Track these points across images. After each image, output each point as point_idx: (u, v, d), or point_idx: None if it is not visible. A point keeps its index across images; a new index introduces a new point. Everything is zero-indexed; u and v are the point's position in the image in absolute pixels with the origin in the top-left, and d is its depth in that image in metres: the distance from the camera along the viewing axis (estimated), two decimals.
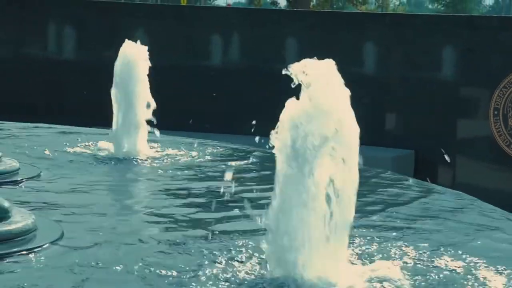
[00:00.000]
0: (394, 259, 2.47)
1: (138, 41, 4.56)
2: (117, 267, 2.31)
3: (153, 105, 4.46)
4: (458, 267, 2.43)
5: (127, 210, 3.28)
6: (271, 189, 2.24)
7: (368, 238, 2.69)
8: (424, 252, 2.57)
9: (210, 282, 2.20)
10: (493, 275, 2.37)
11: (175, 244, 2.59)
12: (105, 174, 3.96)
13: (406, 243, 2.66)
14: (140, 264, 2.34)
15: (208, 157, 4.47)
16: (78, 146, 4.58)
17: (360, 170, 2.20)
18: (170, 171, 4.03)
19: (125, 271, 2.28)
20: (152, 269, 2.30)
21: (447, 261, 2.48)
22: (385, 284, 2.24)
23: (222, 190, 3.51)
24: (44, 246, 2.46)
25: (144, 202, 3.47)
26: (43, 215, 2.83)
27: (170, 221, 3.01)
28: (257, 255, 2.42)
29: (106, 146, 4.52)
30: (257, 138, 2.67)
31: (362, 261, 2.44)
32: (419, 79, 9.20)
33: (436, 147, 9.10)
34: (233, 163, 4.35)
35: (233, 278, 2.24)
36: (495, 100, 8.76)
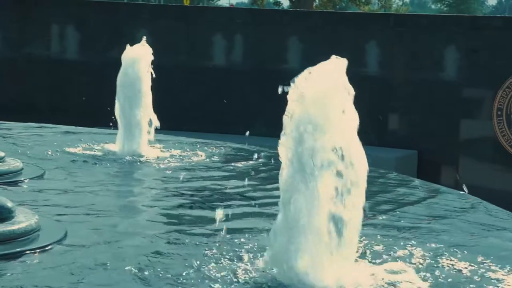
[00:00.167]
0: (403, 259, 2.47)
1: (144, 41, 4.55)
2: (119, 267, 2.31)
3: (156, 124, 4.49)
4: (467, 267, 2.43)
5: (130, 210, 3.28)
6: (275, 189, 2.24)
7: (376, 238, 2.68)
8: (433, 252, 2.56)
9: (212, 282, 2.20)
10: (503, 274, 2.37)
11: (177, 244, 2.58)
12: (108, 174, 3.96)
13: (414, 243, 2.65)
14: (142, 264, 2.33)
15: (211, 157, 4.47)
16: (81, 146, 4.59)
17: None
18: (174, 171, 4.03)
19: (126, 271, 2.28)
20: (153, 269, 2.30)
21: (457, 261, 2.48)
22: (395, 284, 2.23)
23: (225, 189, 3.51)
24: (47, 246, 2.46)
25: (147, 202, 3.47)
26: (47, 215, 2.83)
27: (173, 221, 3.01)
28: (260, 254, 2.42)
29: (109, 146, 4.53)
30: (247, 133, 2.65)
31: (371, 262, 2.43)
32: (422, 79, 9.20)
33: (440, 148, 9.10)
34: (239, 163, 4.35)
35: (235, 278, 2.23)
36: (498, 100, 8.75)
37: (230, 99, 9.59)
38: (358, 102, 2.17)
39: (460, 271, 2.40)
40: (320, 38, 9.40)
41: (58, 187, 3.50)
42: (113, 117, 4.61)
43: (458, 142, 9.04)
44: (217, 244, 2.53)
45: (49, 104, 10.09)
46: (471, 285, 2.27)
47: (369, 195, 2.22)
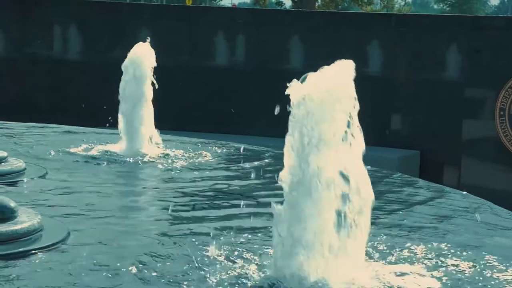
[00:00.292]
0: (409, 259, 2.46)
1: (148, 43, 4.55)
2: (120, 267, 2.31)
3: (158, 140, 4.51)
4: (474, 266, 2.42)
5: (132, 210, 3.28)
6: (278, 188, 2.23)
7: (382, 238, 2.68)
8: (439, 252, 2.56)
9: (213, 282, 2.19)
10: (511, 273, 2.37)
11: (178, 244, 2.58)
12: (111, 174, 3.96)
13: (420, 243, 2.65)
14: (142, 264, 2.34)
15: (214, 157, 4.47)
16: (83, 146, 4.59)
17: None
18: (176, 171, 4.03)
19: (127, 271, 2.28)
20: (153, 269, 2.29)
21: (463, 260, 2.48)
22: (402, 284, 2.23)
23: (228, 189, 3.51)
24: (50, 246, 2.46)
25: (148, 202, 3.47)
26: (49, 215, 2.83)
27: (174, 221, 3.01)
28: (262, 253, 2.42)
29: (111, 146, 4.53)
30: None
31: (377, 262, 2.43)
32: (425, 79, 9.19)
33: (442, 148, 9.09)
34: (242, 163, 4.35)
35: (236, 278, 2.23)
36: (501, 100, 8.74)
37: (233, 99, 9.59)
38: (360, 102, 2.17)
39: (466, 270, 2.39)
40: (322, 38, 9.40)
41: (60, 187, 3.50)
42: (110, 118, 4.60)
43: (460, 142, 9.04)
44: (218, 244, 2.52)
45: (49, 104, 10.10)
46: (478, 284, 2.27)
47: (374, 195, 2.22)
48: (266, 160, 4.40)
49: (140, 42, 4.57)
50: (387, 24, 9.62)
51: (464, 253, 2.56)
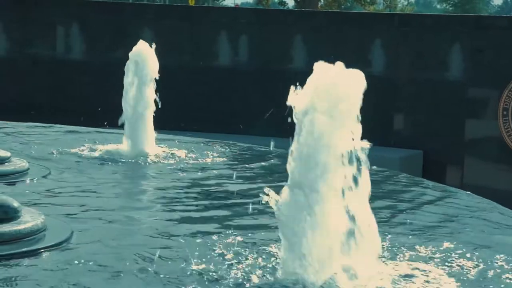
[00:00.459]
0: (418, 258, 2.46)
1: (153, 45, 4.55)
2: (123, 267, 2.31)
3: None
4: (483, 265, 2.42)
5: (136, 210, 3.28)
6: (281, 188, 2.23)
7: (390, 238, 2.68)
8: (448, 251, 2.55)
9: (214, 282, 2.19)
10: None
11: (179, 244, 2.58)
12: (114, 174, 3.96)
13: (428, 243, 2.65)
14: (145, 264, 2.33)
15: (217, 157, 4.47)
16: (86, 146, 4.59)
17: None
18: (178, 171, 4.03)
19: (130, 270, 2.28)
20: (154, 269, 2.30)
21: (473, 259, 2.47)
22: (412, 283, 2.23)
23: (230, 188, 3.51)
24: (53, 246, 2.46)
25: (152, 202, 3.47)
26: (53, 215, 2.83)
27: (175, 221, 3.01)
28: (267, 252, 2.41)
29: (115, 146, 4.53)
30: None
31: (386, 261, 2.42)
32: (428, 79, 9.19)
33: (445, 148, 9.09)
34: (245, 163, 4.35)
35: (238, 279, 2.22)
36: (504, 100, 8.73)
37: (235, 99, 9.60)
38: (363, 102, 2.17)
39: (475, 269, 2.39)
40: (325, 38, 9.40)
41: (63, 187, 3.50)
42: (111, 118, 4.59)
43: (463, 142, 9.03)
44: (221, 244, 2.52)
45: (49, 104, 10.10)
46: (487, 283, 2.27)
47: (380, 195, 2.22)
48: (272, 161, 4.40)
49: (141, 40, 4.57)
50: (390, 24, 9.62)
51: (474, 252, 2.55)
